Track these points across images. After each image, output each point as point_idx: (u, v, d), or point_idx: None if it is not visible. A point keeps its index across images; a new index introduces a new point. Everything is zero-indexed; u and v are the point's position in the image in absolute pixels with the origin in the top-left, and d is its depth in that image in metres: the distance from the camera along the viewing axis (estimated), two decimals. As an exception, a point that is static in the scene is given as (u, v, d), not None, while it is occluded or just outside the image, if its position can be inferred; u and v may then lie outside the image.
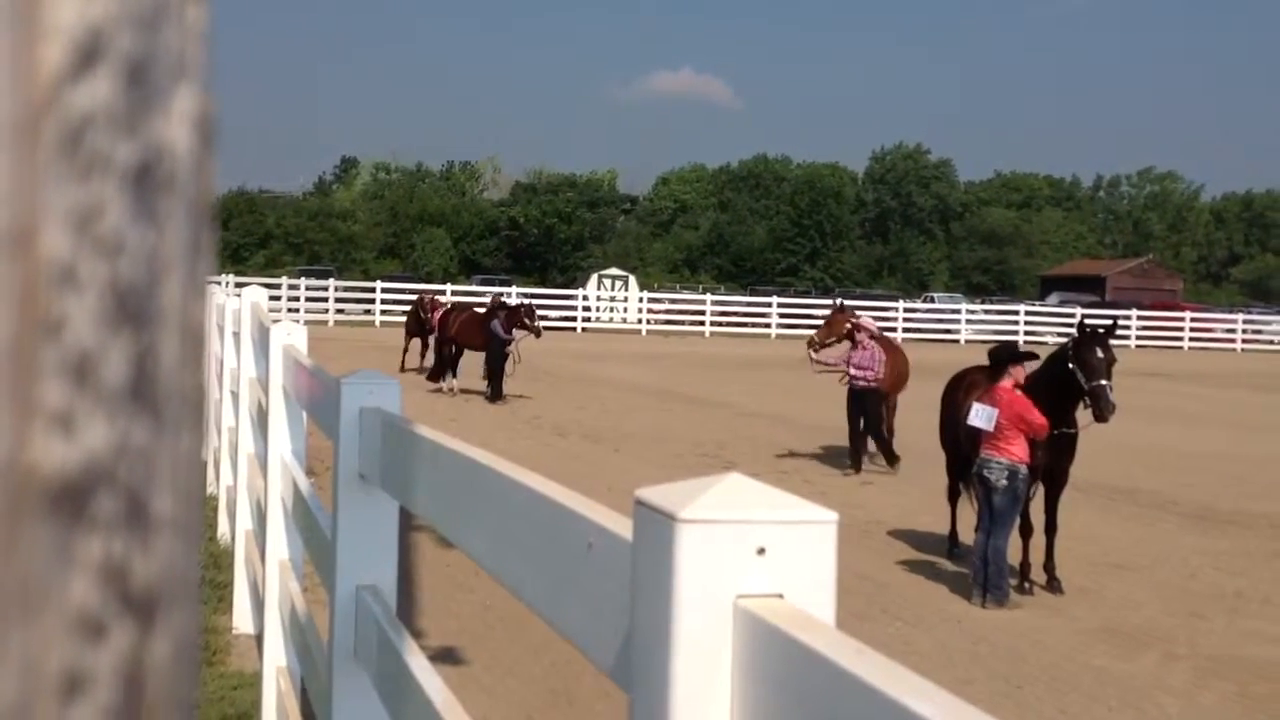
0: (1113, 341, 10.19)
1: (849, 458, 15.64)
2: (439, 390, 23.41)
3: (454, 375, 23.66)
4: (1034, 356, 10.12)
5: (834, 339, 16.60)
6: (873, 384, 15.21)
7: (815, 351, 16.32)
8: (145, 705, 0.47)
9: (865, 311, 54.02)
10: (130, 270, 0.47)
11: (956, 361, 13.65)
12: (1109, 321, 11.00)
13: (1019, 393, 9.54)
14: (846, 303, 20.28)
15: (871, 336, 15.62)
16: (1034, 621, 9.19)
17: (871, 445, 16.02)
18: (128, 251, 0.47)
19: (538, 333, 22.73)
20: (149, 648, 0.48)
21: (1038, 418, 9.38)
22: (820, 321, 16.95)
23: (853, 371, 15.29)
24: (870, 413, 15.31)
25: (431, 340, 25.72)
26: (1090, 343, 9.96)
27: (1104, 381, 9.78)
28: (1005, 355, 9.85)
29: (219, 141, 0.52)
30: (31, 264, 0.44)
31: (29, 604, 0.44)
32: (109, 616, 0.47)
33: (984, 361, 10.32)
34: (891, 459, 15.52)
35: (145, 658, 0.48)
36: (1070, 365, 9.93)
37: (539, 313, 24.90)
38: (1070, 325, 11.94)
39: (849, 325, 16.29)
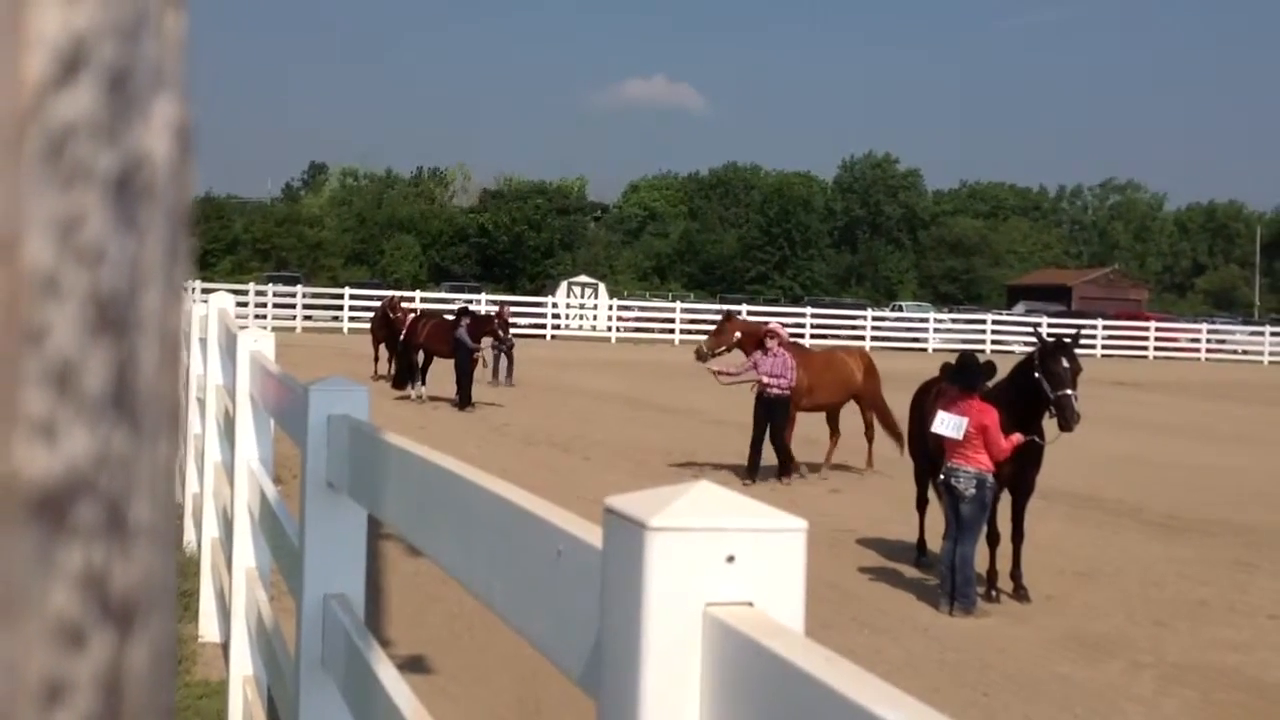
0: (1078, 351, 10.25)
1: (746, 469, 15.19)
2: (406, 397, 23.35)
3: (423, 383, 23.61)
4: (994, 369, 10.13)
5: (723, 348, 16.08)
6: (786, 392, 14.90)
7: (704, 361, 15.90)
8: (125, 713, 0.47)
9: (835, 320, 54.39)
10: (111, 279, 0.47)
11: (924, 370, 13.70)
12: (1073, 331, 11.08)
13: (989, 407, 9.56)
14: (733, 310, 19.52)
15: (782, 344, 15.25)
16: (1001, 630, 9.23)
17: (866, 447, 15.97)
18: (109, 260, 0.47)
19: (509, 345, 22.70)
20: (128, 655, 0.48)
21: (1001, 441, 9.40)
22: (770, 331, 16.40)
23: (765, 379, 14.88)
24: (778, 421, 14.96)
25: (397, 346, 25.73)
26: (1056, 352, 10.02)
27: (1069, 391, 9.84)
28: (971, 367, 9.87)
29: (197, 150, 0.52)
30: (14, 273, 0.44)
31: (10, 612, 0.44)
32: (89, 625, 0.47)
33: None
34: (786, 470, 15.18)
35: (125, 665, 0.48)
36: (1036, 375, 9.98)
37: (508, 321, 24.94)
38: (1045, 334, 11.81)
39: (738, 334, 15.95)
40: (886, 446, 15.98)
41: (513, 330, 23.75)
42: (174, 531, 0.51)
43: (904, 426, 11.94)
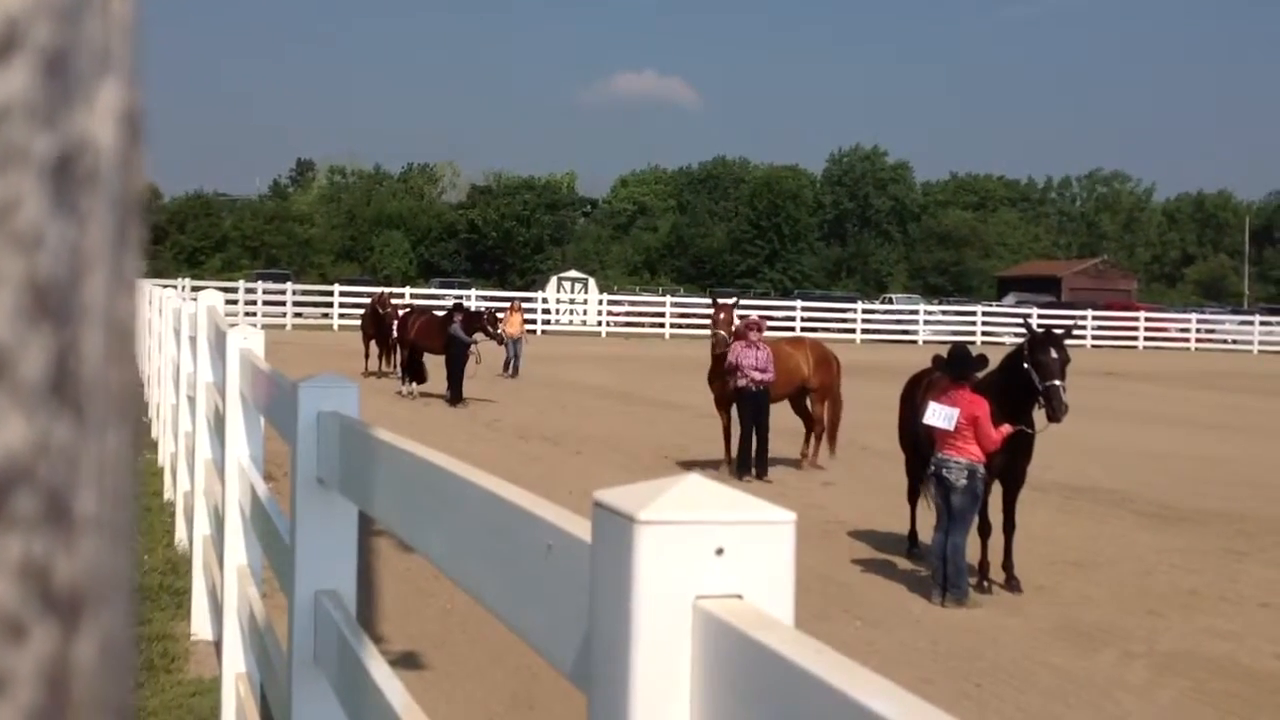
0: (1068, 342, 10.26)
1: (737, 466, 14.95)
2: (399, 393, 23.35)
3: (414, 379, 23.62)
4: (985, 362, 10.13)
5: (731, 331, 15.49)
6: (769, 384, 14.67)
7: (725, 344, 15.24)
8: (71, 707, 0.47)
9: (825, 313, 54.43)
10: (50, 265, 0.46)
11: (915, 362, 13.71)
12: (1067, 323, 11.12)
13: (980, 398, 9.58)
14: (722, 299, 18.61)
15: (760, 334, 14.94)
16: (993, 620, 9.25)
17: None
18: (47, 246, 0.46)
19: (500, 340, 22.77)
20: (74, 649, 0.47)
21: (992, 432, 9.43)
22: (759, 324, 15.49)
23: (756, 375, 14.57)
24: (764, 414, 14.69)
25: (390, 340, 25.75)
26: (1045, 344, 10.04)
27: (1057, 382, 9.86)
28: (963, 358, 9.88)
29: (147, 136, 0.51)
30: None
31: None
32: (29, 617, 0.46)
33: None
34: (765, 469, 14.89)
35: (70, 659, 0.47)
36: (1025, 366, 10.01)
37: (499, 316, 25.12)
38: (1034, 325, 11.75)
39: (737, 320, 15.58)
40: (868, 438, 15.92)
41: (526, 326, 23.95)
42: (128, 523, 0.51)
43: (894, 417, 11.92)
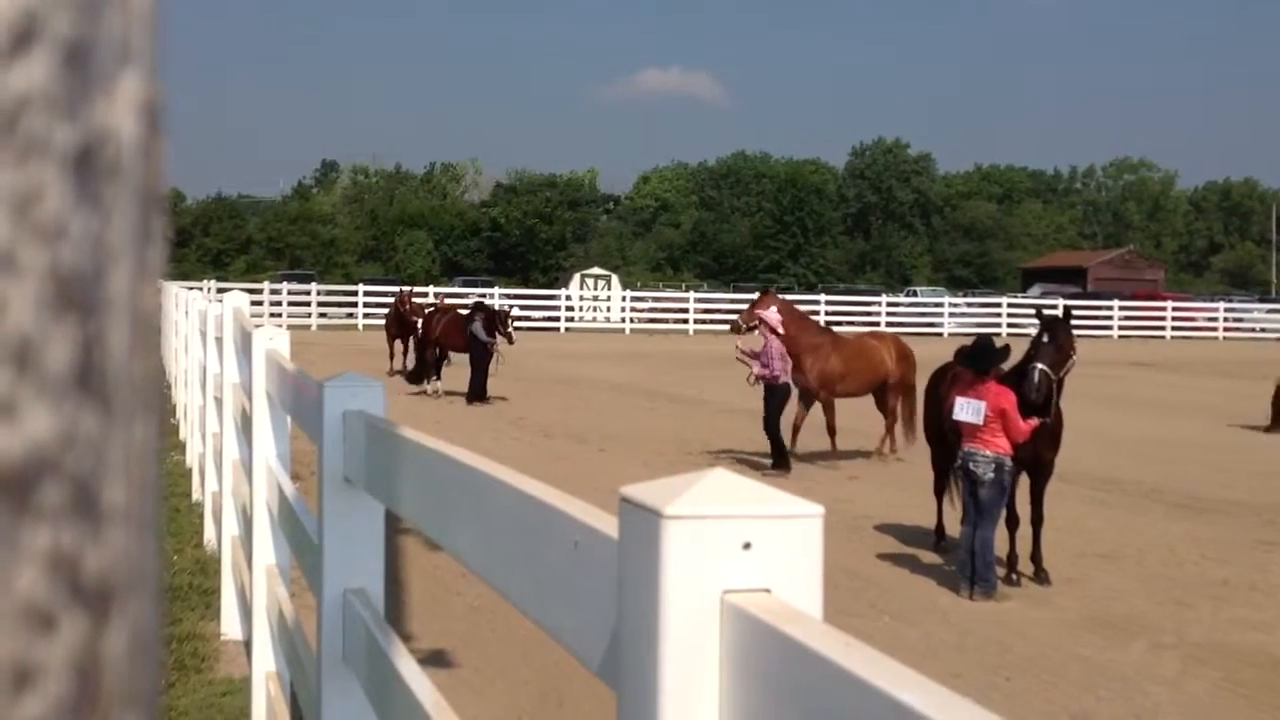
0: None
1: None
2: (422, 392, 23.39)
3: (438, 377, 23.65)
4: (1009, 352, 10.15)
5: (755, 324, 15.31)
6: (775, 379, 14.56)
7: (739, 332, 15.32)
8: (101, 697, 0.47)
9: (850, 307, 54.29)
10: (73, 256, 0.46)
11: (940, 355, 13.65)
12: (1059, 309, 11.25)
13: (1006, 390, 9.57)
14: (771, 289, 18.58)
15: (772, 330, 14.78)
16: (1021, 613, 9.21)
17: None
18: (70, 237, 0.46)
19: (509, 339, 22.74)
20: (104, 639, 0.47)
21: (1021, 424, 9.43)
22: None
23: (755, 369, 14.69)
24: (767, 409, 14.66)
25: (412, 340, 25.74)
26: (1040, 328, 10.22)
27: (1037, 364, 9.94)
28: (986, 350, 9.85)
29: (168, 128, 0.51)
30: None
31: None
32: (59, 608, 0.46)
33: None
34: (781, 463, 14.79)
35: (100, 650, 0.47)
36: None
37: (518, 315, 25.07)
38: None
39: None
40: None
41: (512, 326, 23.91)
42: (155, 515, 0.51)
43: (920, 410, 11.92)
